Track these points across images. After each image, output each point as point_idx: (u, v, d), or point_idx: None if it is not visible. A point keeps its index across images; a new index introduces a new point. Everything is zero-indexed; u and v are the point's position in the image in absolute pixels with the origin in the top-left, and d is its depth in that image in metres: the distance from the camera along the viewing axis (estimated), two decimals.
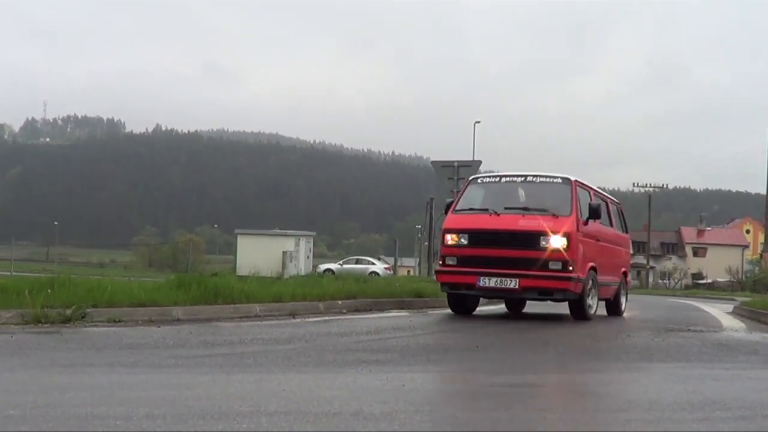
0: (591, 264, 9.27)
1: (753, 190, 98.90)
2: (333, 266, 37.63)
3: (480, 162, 17.36)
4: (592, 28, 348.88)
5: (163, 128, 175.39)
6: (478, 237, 9.09)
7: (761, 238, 65.43)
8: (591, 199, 9.74)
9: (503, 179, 9.99)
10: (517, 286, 8.78)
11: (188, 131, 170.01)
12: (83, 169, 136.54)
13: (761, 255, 57.27)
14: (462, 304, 9.80)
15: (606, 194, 11.10)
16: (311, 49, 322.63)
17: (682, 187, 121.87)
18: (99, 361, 4.62)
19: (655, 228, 64.35)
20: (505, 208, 9.25)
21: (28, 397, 3.36)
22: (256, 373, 4.36)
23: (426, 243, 37.38)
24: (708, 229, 76.60)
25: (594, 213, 9.28)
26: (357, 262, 40.51)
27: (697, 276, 66.94)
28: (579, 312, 9.29)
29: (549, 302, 9.88)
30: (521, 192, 9.67)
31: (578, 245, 8.87)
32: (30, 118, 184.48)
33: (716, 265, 64.34)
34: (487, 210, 9.34)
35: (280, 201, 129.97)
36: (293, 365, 4.71)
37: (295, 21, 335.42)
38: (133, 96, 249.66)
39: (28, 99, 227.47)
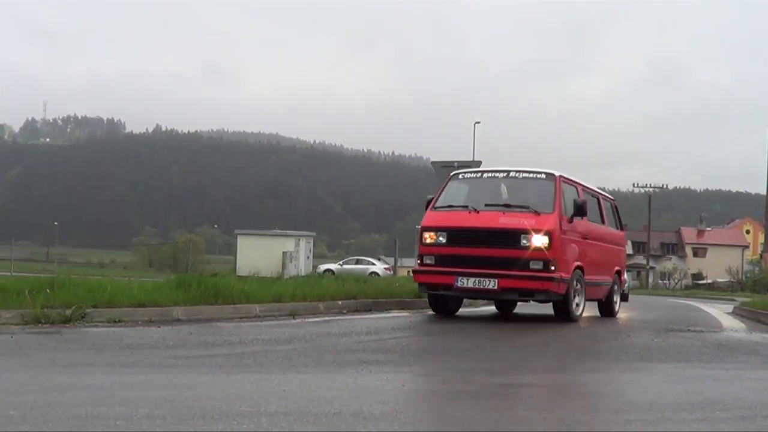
0: (577, 263, 8.90)
1: (753, 190, 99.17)
2: (333, 266, 37.57)
3: (480, 162, 17.28)
4: (592, 28, 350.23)
5: (163, 128, 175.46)
6: (456, 235, 8.77)
7: (761, 238, 65.52)
8: (579, 195, 9.34)
9: (485, 175, 9.63)
10: (496, 287, 8.43)
11: (188, 131, 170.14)
12: (83, 170, 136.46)
13: (761, 255, 57.36)
14: (443, 304, 9.50)
15: (598, 190, 10.75)
16: (311, 49, 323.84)
17: (682, 187, 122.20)
18: (99, 361, 4.63)
19: (655, 228, 64.41)
20: (486, 205, 8.92)
21: (28, 397, 3.36)
22: (256, 373, 4.36)
23: None
24: (708, 229, 76.61)
25: (580, 210, 8.91)
26: (357, 262, 40.44)
27: (697, 276, 66.93)
28: (564, 313, 8.91)
29: (540, 304, 9.57)
30: (503, 188, 9.24)
31: (562, 244, 8.51)
32: (30, 119, 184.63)
33: (716, 266, 64.31)
34: (467, 207, 8.99)
35: (280, 201, 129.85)
36: (293, 365, 4.71)
37: (295, 21, 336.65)
38: (133, 96, 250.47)
39: (28, 99, 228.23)
